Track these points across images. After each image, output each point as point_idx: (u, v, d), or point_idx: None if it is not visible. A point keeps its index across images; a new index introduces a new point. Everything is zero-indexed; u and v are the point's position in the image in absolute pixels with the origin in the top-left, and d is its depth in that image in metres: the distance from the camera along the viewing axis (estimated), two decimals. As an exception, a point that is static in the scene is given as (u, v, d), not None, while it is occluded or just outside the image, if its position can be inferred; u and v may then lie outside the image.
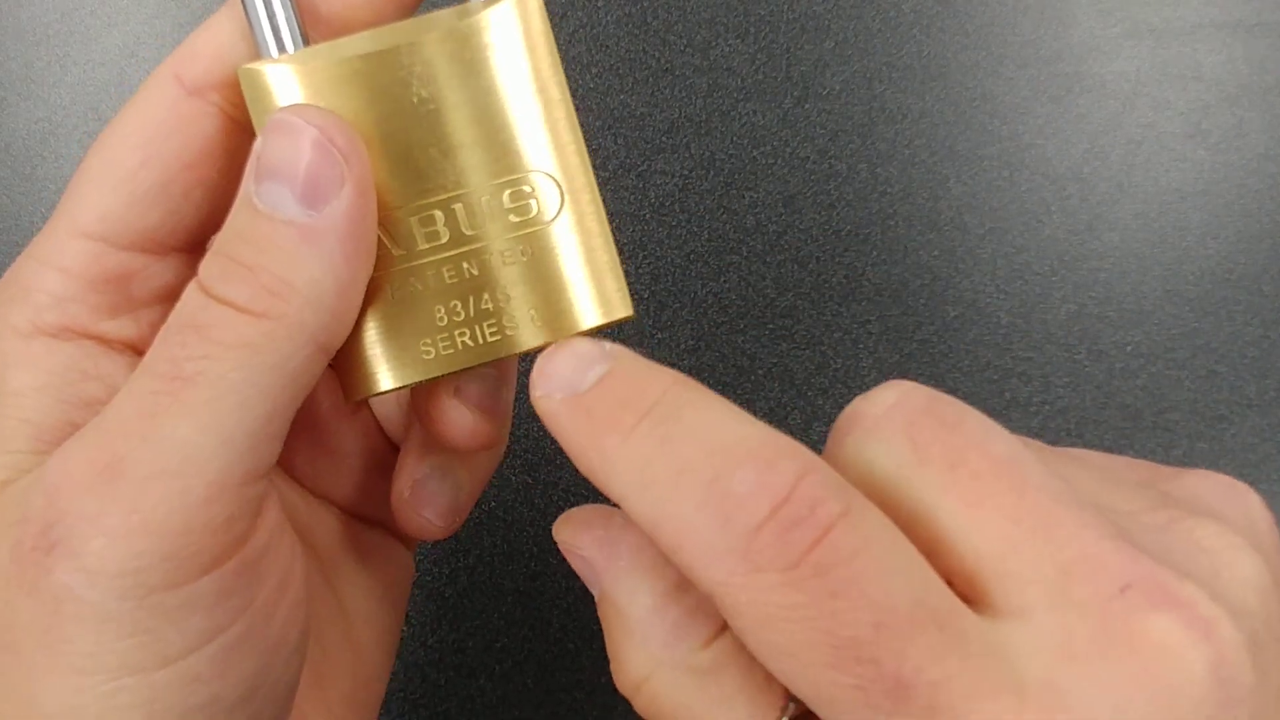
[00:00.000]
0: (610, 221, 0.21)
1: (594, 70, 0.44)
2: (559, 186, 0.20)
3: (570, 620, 0.38)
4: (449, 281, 0.20)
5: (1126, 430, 0.39)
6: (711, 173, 0.42)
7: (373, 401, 0.27)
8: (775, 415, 0.39)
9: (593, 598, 0.23)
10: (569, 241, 0.20)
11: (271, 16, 0.19)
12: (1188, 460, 0.38)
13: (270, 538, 0.19)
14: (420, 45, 0.19)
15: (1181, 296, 0.40)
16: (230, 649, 0.19)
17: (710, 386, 0.18)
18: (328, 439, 0.26)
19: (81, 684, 0.18)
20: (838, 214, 0.42)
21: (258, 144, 0.19)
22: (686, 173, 0.43)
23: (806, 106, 0.43)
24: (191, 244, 0.22)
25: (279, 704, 0.21)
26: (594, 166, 0.21)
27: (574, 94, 0.47)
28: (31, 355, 0.20)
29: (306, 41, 0.20)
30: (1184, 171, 0.41)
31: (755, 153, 0.43)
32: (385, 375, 0.21)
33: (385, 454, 0.27)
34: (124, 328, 0.21)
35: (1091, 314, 0.40)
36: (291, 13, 0.20)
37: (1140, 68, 0.43)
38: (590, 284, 0.21)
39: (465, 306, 0.20)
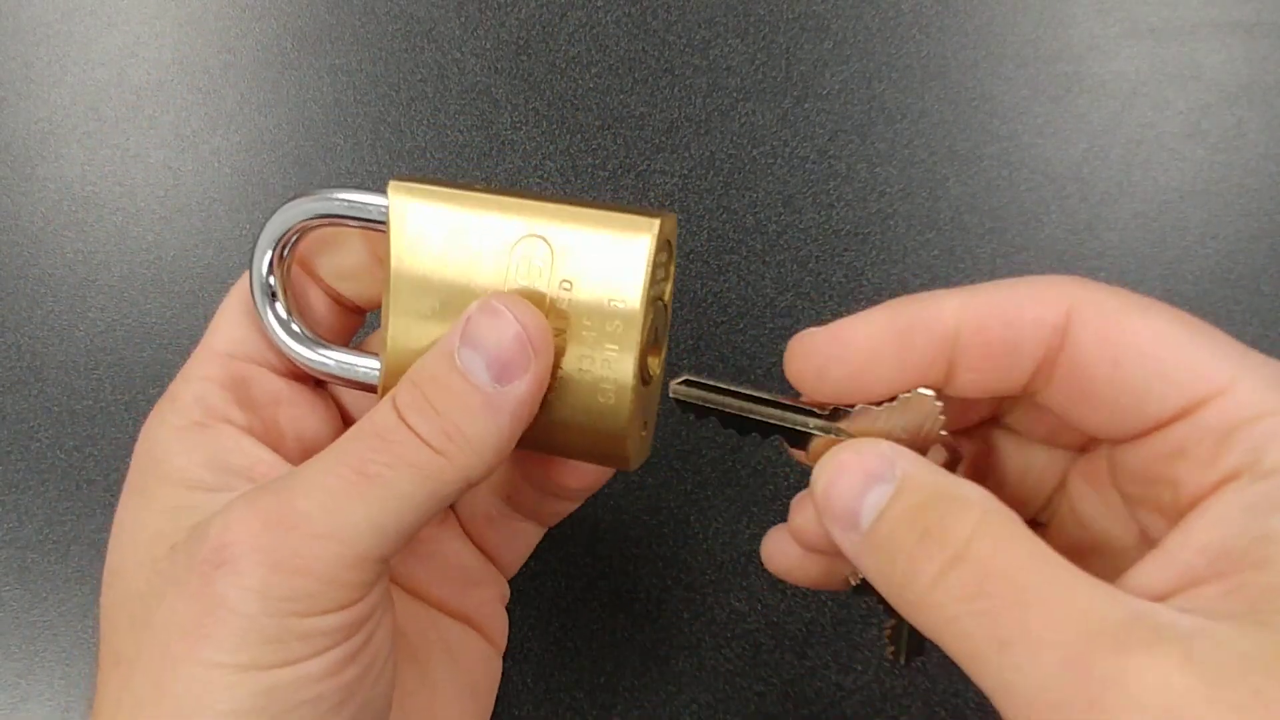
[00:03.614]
0: None
1: (594, 70, 0.44)
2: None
3: (570, 620, 0.38)
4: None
5: (1126, 430, 0.39)
6: (711, 172, 0.43)
7: (458, 508, 0.32)
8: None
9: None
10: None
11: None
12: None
13: (379, 599, 0.24)
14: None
15: (1181, 296, 0.40)
16: (338, 660, 0.23)
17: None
18: (420, 543, 0.30)
19: (214, 674, 0.22)
20: (837, 213, 0.42)
21: (471, 311, 0.24)
22: (686, 172, 0.43)
23: (806, 106, 0.43)
24: (292, 373, 0.28)
25: (371, 716, 0.25)
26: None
27: (574, 94, 0.47)
28: (185, 442, 0.25)
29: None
30: (1183, 171, 0.41)
31: (754, 152, 0.43)
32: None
33: (470, 557, 0.31)
34: (246, 418, 0.27)
35: (1091, 313, 0.40)
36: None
37: (1140, 67, 0.43)
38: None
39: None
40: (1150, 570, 0.20)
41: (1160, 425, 0.21)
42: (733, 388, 0.25)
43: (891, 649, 0.25)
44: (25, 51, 0.46)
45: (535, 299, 0.25)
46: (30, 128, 0.45)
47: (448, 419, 0.23)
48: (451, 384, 0.23)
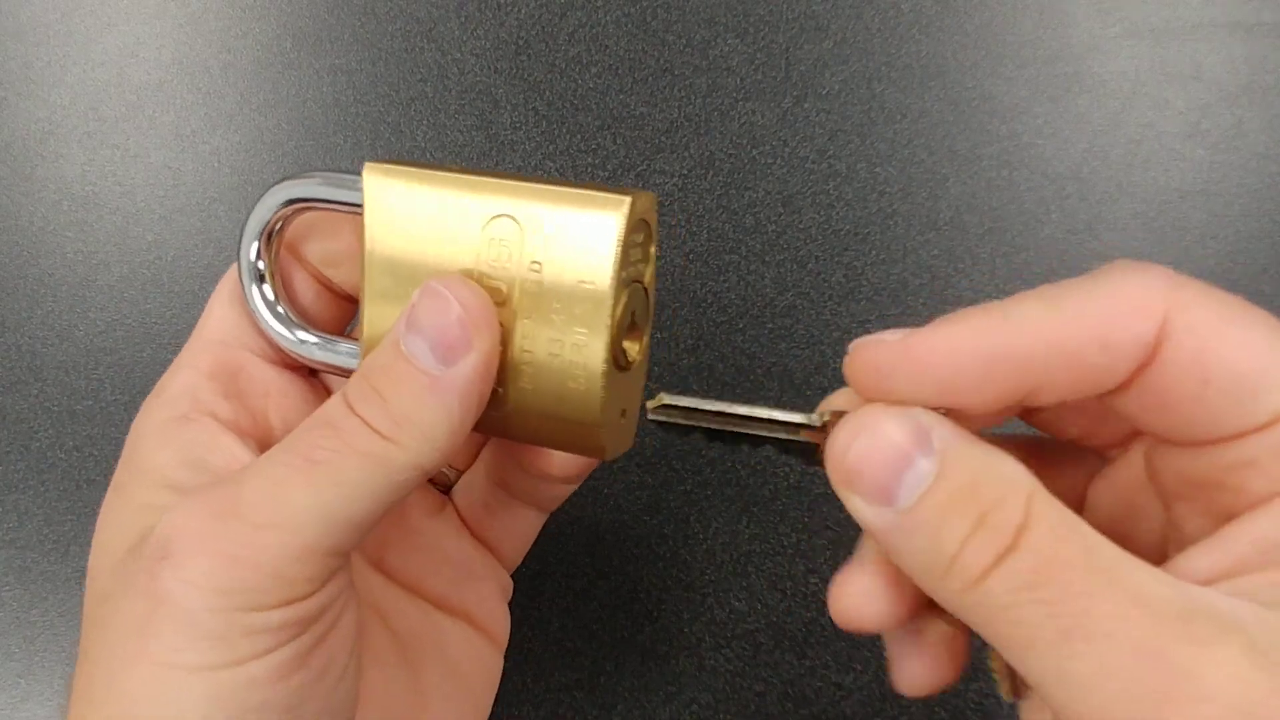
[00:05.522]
0: None
1: (594, 70, 0.44)
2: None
3: (570, 620, 0.38)
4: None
5: (1126, 430, 0.39)
6: (711, 172, 0.43)
7: (458, 499, 0.31)
8: (775, 415, 0.39)
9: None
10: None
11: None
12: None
13: (332, 596, 0.24)
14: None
15: (1181, 296, 0.40)
16: (285, 663, 0.22)
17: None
18: (415, 536, 0.30)
19: (163, 674, 0.21)
20: (837, 213, 0.42)
21: (415, 297, 0.24)
22: (686, 172, 0.43)
23: (805, 106, 0.43)
24: (284, 362, 0.28)
25: None
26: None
27: (574, 94, 0.47)
28: (167, 435, 0.25)
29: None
30: (1183, 171, 0.41)
31: (754, 152, 0.43)
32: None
33: (469, 550, 0.31)
34: (233, 411, 0.26)
35: (1091, 313, 0.40)
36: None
37: (1140, 67, 0.43)
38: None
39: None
40: (1200, 556, 0.20)
41: (1238, 436, 0.20)
42: (712, 407, 0.23)
43: (1007, 684, 0.23)
44: (25, 51, 0.46)
45: (504, 280, 0.24)
46: (30, 128, 0.45)
47: (395, 405, 0.23)
48: (397, 370, 0.23)
